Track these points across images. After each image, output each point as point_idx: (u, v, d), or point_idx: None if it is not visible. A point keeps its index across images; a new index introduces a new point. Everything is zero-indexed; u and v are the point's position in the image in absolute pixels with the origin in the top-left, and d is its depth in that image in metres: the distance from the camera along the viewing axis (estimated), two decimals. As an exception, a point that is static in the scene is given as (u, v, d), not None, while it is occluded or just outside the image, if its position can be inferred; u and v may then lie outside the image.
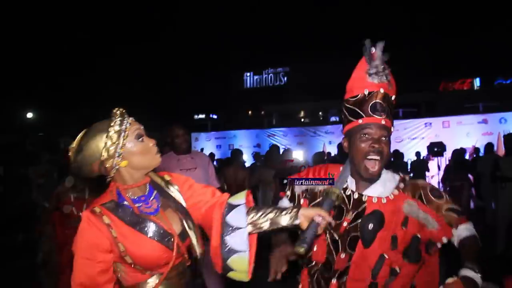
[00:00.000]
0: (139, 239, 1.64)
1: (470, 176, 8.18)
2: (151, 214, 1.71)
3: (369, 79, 1.74)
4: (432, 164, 11.33)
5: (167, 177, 1.89)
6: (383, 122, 1.73)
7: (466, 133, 13.03)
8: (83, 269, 1.58)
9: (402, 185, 1.81)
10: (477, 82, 29.05)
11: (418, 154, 11.69)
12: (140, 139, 1.67)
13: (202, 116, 30.63)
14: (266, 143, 15.07)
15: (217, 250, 1.60)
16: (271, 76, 29.53)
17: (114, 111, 1.65)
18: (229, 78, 30.57)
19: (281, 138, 15.40)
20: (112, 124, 1.62)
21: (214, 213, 1.70)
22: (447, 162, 9.87)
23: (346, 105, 1.82)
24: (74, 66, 27.68)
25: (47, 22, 26.84)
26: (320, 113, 22.24)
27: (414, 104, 17.56)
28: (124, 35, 30.69)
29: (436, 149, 10.62)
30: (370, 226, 1.71)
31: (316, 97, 21.56)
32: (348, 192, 1.81)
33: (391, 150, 1.88)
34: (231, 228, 1.61)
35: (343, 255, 1.75)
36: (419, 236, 1.69)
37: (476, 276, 1.49)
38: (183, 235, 1.75)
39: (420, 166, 11.00)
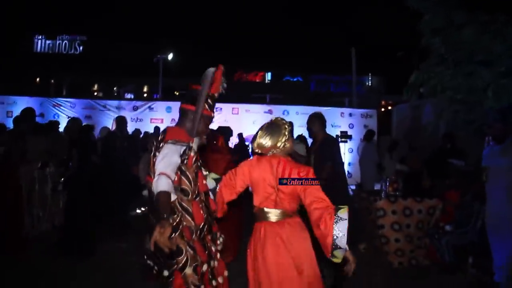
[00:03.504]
0: None
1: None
2: None
3: (221, 87, 2.85)
4: (219, 146, 11.82)
5: None
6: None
7: (252, 121, 13.85)
8: None
9: None
10: (268, 76, 31.97)
11: (209, 136, 12.04)
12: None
13: (-21, 77, 26.70)
14: (51, 113, 13.76)
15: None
16: (65, 43, 27.48)
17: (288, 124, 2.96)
18: (16, 38, 27.30)
19: (68, 109, 14.03)
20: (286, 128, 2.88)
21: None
22: (233, 145, 10.45)
23: (209, 96, 2.78)
24: None
25: None
26: (115, 88, 21.39)
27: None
28: None
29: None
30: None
31: (113, 72, 20.78)
32: None
33: None
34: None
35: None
36: None
37: None
38: None
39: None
